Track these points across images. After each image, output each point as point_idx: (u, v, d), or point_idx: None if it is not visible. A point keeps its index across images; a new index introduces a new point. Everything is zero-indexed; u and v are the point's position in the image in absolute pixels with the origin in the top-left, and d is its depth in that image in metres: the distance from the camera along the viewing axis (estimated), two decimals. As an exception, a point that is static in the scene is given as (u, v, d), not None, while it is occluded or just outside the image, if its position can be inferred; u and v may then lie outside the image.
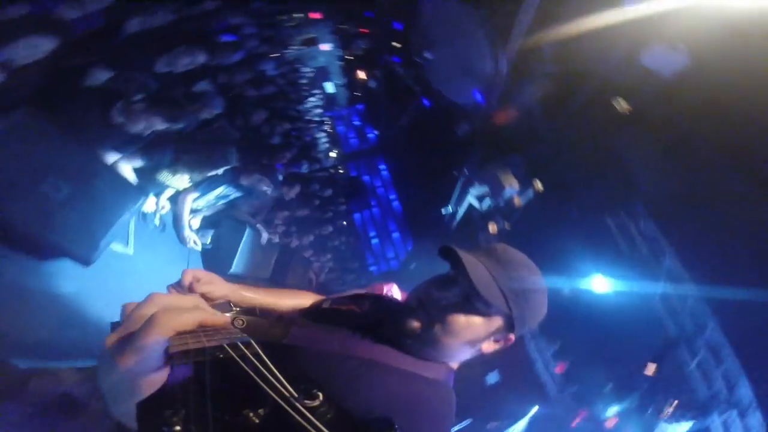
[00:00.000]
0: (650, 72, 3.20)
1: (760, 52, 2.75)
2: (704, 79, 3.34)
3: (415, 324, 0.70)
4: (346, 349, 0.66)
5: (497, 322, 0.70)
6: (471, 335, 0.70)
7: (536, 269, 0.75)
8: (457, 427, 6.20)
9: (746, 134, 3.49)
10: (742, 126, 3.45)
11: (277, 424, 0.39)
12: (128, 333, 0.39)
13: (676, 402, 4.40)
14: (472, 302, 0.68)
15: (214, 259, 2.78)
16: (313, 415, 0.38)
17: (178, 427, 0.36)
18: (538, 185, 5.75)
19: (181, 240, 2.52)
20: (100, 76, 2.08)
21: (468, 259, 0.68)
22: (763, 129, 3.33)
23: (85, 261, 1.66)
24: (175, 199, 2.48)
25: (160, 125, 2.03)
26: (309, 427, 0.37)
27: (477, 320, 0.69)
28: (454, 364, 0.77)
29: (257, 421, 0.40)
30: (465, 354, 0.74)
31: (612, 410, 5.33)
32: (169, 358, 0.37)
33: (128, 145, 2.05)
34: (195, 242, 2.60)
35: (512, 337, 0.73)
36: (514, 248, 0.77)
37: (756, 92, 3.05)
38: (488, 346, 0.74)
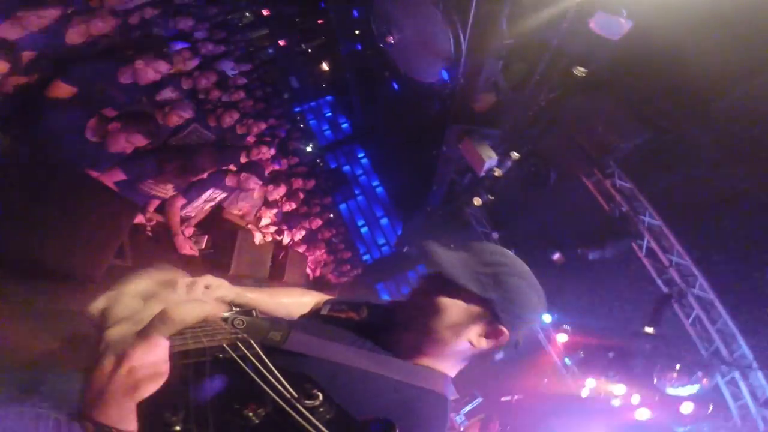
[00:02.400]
0: (599, 37, 3.37)
1: (699, 8, 2.96)
2: (649, 40, 3.55)
3: (403, 310, 0.76)
4: (343, 358, 0.67)
5: (477, 307, 0.72)
6: (450, 318, 0.72)
7: (515, 259, 0.76)
8: (468, 407, 6.40)
9: (697, 86, 3.73)
10: (693, 79, 3.68)
11: (277, 424, 0.39)
12: (133, 330, 0.38)
13: (678, 366, 4.45)
14: (444, 283, 0.71)
15: (212, 263, 2.81)
16: (313, 415, 0.38)
17: (178, 427, 0.36)
18: (515, 155, 5.94)
19: (177, 248, 2.54)
20: (64, 92, 2.05)
21: (434, 247, 0.74)
22: (712, 80, 3.56)
23: (90, 278, 1.69)
24: (163, 208, 2.49)
25: (139, 143, 2.03)
26: (309, 427, 0.37)
27: (453, 302, 0.72)
28: (452, 371, 0.77)
29: (257, 421, 0.39)
30: (453, 342, 0.74)
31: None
32: (170, 357, 0.38)
33: (108, 159, 2.04)
34: (191, 248, 2.62)
35: (502, 328, 0.73)
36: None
37: (700, 45, 3.28)
38: (478, 340, 0.74)
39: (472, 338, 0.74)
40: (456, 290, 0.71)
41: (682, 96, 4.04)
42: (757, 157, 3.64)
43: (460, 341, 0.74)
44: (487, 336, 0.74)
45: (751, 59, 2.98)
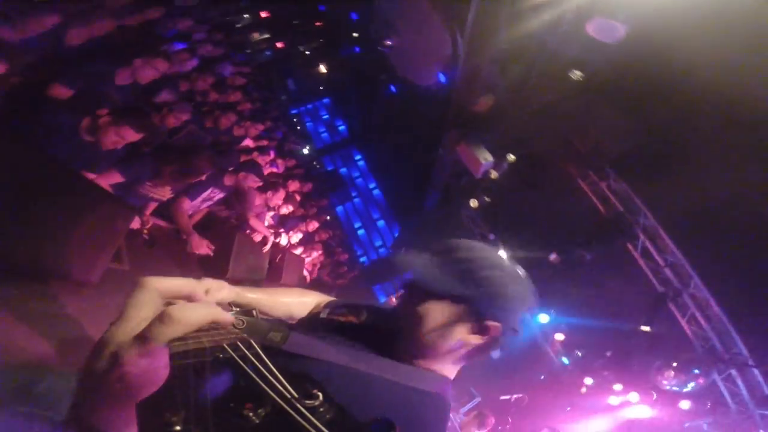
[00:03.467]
0: (596, 41, 3.40)
1: (695, 14, 3.00)
2: (646, 44, 3.59)
3: (395, 322, 0.76)
4: (342, 360, 0.66)
5: (457, 306, 0.72)
6: (434, 322, 0.72)
7: (488, 251, 0.76)
8: (468, 406, 6.41)
9: (693, 91, 3.77)
10: (690, 85, 3.73)
11: (277, 424, 0.39)
12: (134, 331, 0.37)
13: (675, 364, 4.46)
14: (422, 289, 0.73)
15: (209, 266, 2.78)
16: (313, 415, 0.38)
17: (178, 427, 0.35)
18: (511, 157, 5.98)
19: (194, 248, 2.48)
20: (62, 94, 2.02)
21: (404, 257, 0.76)
22: (708, 86, 3.61)
23: (86, 281, 1.66)
24: (162, 211, 2.45)
25: (130, 137, 2.00)
26: (309, 427, 0.37)
27: (433, 306, 0.73)
28: (450, 372, 0.77)
29: (257, 421, 0.39)
30: (442, 344, 0.73)
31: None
32: (170, 358, 0.37)
33: (104, 160, 2.02)
34: (207, 246, 2.56)
35: (489, 323, 0.72)
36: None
37: (698, 50, 3.32)
38: (467, 337, 0.73)
39: (462, 337, 0.73)
40: (434, 294, 0.72)
41: (677, 101, 4.08)
42: (750, 163, 3.69)
43: (449, 342, 0.73)
44: (475, 332, 0.73)
45: (750, 65, 3.01)
